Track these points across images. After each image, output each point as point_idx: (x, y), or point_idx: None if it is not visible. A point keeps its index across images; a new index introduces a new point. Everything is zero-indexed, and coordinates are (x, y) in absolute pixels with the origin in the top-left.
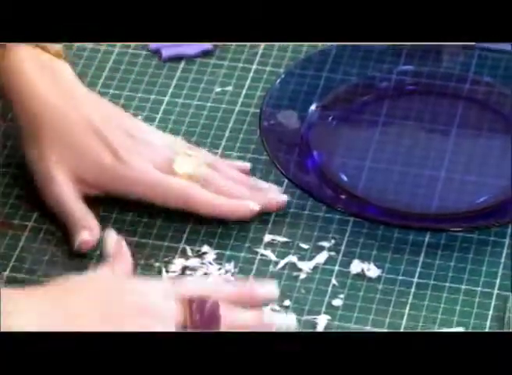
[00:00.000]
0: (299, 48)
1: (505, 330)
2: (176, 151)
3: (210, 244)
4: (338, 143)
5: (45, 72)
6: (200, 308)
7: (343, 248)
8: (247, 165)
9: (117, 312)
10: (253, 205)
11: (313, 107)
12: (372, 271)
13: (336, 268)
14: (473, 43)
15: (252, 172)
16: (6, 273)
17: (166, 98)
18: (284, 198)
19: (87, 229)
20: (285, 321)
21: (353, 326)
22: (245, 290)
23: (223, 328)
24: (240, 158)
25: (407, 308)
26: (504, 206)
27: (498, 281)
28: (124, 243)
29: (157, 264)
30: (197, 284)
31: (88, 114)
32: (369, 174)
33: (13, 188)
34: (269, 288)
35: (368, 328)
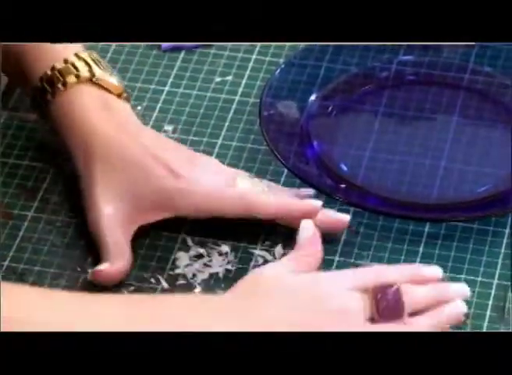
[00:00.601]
0: None
1: (504, 331)
2: (235, 175)
3: (211, 242)
4: (338, 133)
5: (104, 108)
6: (384, 296)
7: (342, 238)
8: (310, 191)
9: (312, 320)
10: (316, 203)
11: (313, 97)
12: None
13: (336, 258)
14: (473, 43)
15: (252, 162)
16: (6, 263)
17: (166, 88)
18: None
19: (110, 261)
20: (460, 290)
21: None
22: (415, 270)
23: (408, 310)
24: (239, 148)
25: None
26: (504, 196)
27: (498, 271)
28: (319, 237)
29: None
30: (374, 272)
31: (146, 142)
32: (369, 164)
33: (13, 178)
34: (433, 269)
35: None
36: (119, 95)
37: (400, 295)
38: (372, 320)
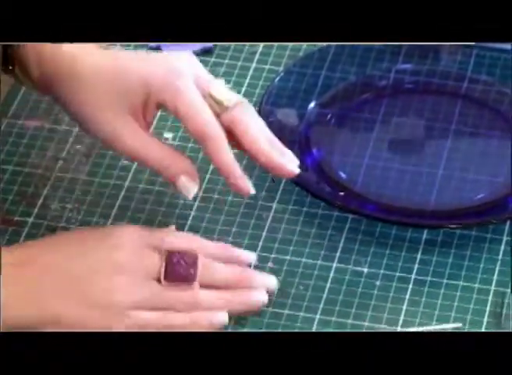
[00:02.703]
0: (298, 47)
1: (502, 331)
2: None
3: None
4: (337, 141)
5: None
6: (179, 260)
7: (341, 244)
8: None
9: (88, 270)
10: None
11: (312, 105)
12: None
13: (334, 265)
14: (473, 43)
15: (251, 169)
16: None
17: None
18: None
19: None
20: (265, 280)
21: (350, 322)
22: (225, 248)
23: (200, 280)
24: (238, 155)
25: (405, 304)
26: (502, 203)
27: (495, 278)
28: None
29: None
30: (178, 237)
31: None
32: (367, 171)
33: (13, 185)
34: (249, 254)
35: (366, 324)
36: None
37: (194, 264)
38: (159, 281)
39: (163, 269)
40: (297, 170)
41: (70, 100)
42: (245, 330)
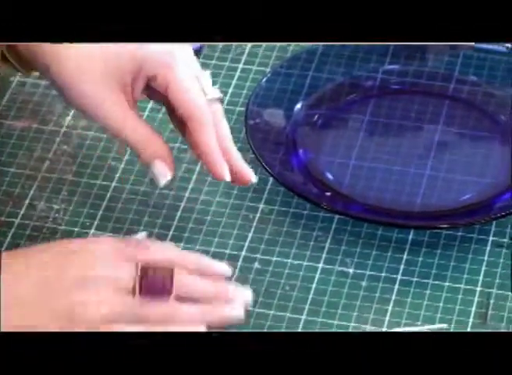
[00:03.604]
0: (285, 48)
1: (489, 330)
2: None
3: (194, 242)
4: (323, 141)
5: None
6: (154, 274)
7: (327, 245)
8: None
9: (61, 284)
10: None
11: (298, 106)
12: None
13: (320, 265)
14: (472, 43)
15: None
16: None
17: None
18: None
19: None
20: (241, 294)
21: (336, 323)
22: (201, 260)
23: (176, 293)
24: None
25: (391, 304)
26: (487, 204)
27: (481, 278)
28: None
29: None
30: (153, 249)
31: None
32: (354, 172)
33: (0, 185)
34: (224, 266)
35: (352, 324)
36: None
37: (170, 277)
38: (134, 293)
39: (138, 284)
40: (227, 178)
41: (57, 72)
42: (231, 330)
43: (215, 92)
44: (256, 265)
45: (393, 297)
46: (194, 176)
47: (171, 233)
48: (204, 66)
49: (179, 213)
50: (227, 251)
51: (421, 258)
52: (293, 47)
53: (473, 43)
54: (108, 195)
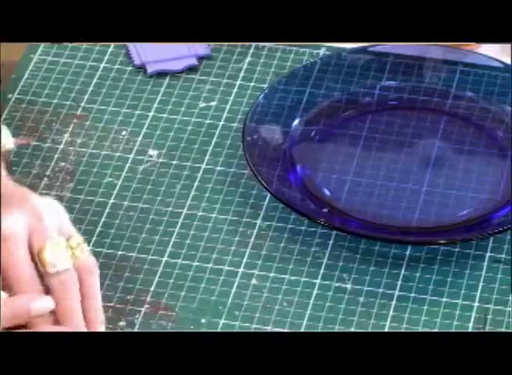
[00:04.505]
0: (283, 64)
1: (488, 331)
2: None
3: (192, 258)
4: (321, 158)
5: None
6: None
7: (324, 261)
8: None
9: None
10: None
11: (296, 122)
12: None
13: (318, 281)
14: (473, 43)
15: (235, 186)
16: None
17: (151, 114)
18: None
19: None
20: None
21: None
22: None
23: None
24: (223, 172)
25: (388, 320)
26: (485, 220)
27: (478, 294)
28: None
29: None
30: None
31: None
32: (351, 188)
33: None
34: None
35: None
36: None
37: None
38: None
39: None
40: None
41: None
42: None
43: (62, 264)
44: (254, 281)
45: (391, 312)
46: (192, 193)
47: (169, 249)
48: (202, 82)
49: (176, 230)
50: (225, 268)
51: (418, 274)
52: (290, 63)
53: (474, 43)
54: (106, 212)
